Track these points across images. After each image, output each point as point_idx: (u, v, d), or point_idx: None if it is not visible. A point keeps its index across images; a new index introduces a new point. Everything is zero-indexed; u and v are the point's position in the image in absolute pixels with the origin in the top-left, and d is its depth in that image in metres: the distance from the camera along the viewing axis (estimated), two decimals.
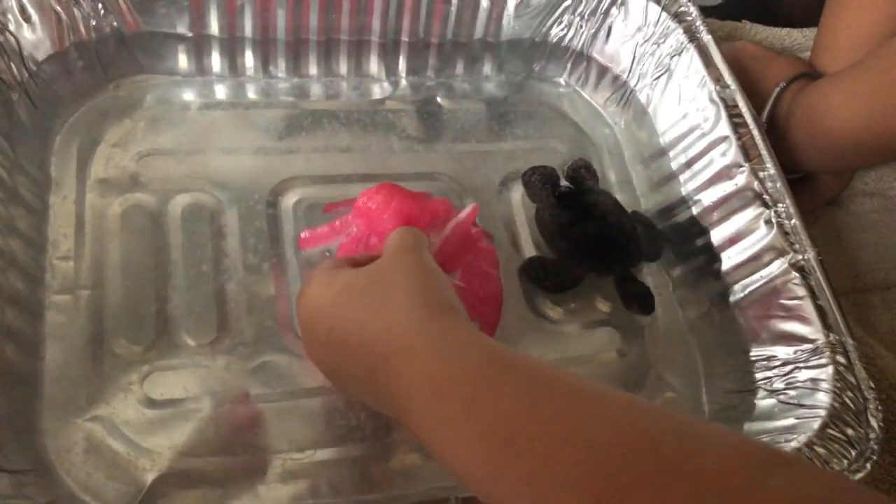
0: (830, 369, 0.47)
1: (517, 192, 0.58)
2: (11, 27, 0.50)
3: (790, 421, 0.46)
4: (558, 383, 0.33)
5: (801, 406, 0.47)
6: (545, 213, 0.55)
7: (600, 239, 0.54)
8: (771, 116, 0.61)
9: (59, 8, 0.51)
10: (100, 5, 0.53)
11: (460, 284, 0.48)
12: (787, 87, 0.61)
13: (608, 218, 0.55)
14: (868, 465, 0.42)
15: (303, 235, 0.52)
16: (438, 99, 0.62)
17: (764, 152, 0.54)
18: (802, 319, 0.49)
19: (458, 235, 0.49)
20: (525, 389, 0.32)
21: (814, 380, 0.47)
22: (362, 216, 0.49)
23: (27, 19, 0.50)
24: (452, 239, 0.48)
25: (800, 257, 0.50)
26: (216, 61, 0.57)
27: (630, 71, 0.62)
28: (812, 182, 0.63)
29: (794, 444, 0.44)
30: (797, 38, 0.72)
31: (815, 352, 0.48)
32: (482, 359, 0.34)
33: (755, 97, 0.58)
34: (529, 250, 0.56)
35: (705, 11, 0.60)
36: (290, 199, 0.54)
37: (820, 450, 0.43)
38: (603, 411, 0.31)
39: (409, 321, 0.37)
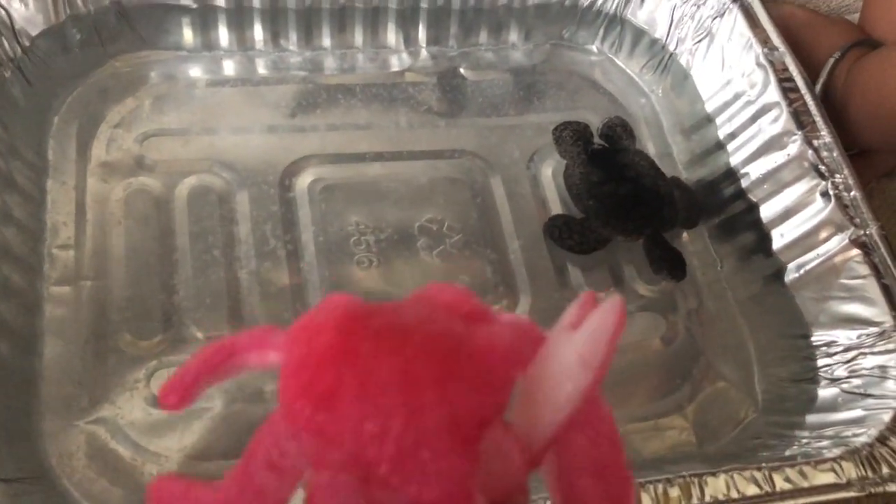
0: None
1: (548, 169, 0.54)
2: (2, 1, 0.46)
3: (857, 413, 0.42)
4: None
5: (869, 396, 0.43)
6: (575, 170, 0.51)
7: (632, 200, 0.50)
8: (825, 88, 0.56)
9: None
10: None
11: None
12: (842, 56, 0.56)
13: (643, 180, 0.51)
14: None
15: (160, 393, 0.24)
16: (461, 70, 0.58)
17: (818, 119, 0.50)
18: (866, 300, 0.45)
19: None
20: None
21: (882, 367, 0.43)
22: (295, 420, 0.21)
23: None
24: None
25: (861, 232, 0.46)
26: (223, 34, 0.54)
27: (668, 35, 0.58)
28: (866, 157, 0.58)
29: (863, 438, 0.40)
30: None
31: (882, 336, 0.44)
32: None
33: (807, 68, 0.53)
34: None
35: None
36: (304, 180, 0.50)
37: (894, 443, 0.39)
38: None
39: None
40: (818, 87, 0.56)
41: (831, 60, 0.57)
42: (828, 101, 0.56)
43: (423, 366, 0.20)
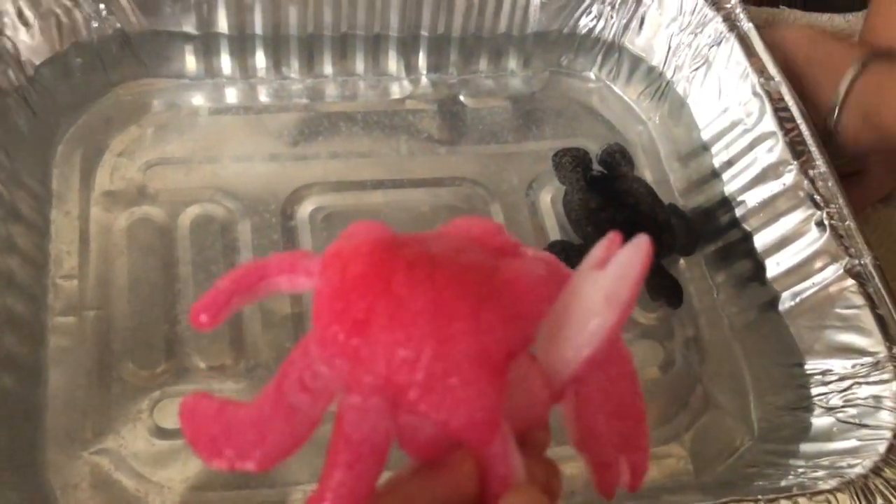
0: (894, 385, 0.43)
1: (547, 195, 0.55)
2: (8, 31, 0.47)
3: (852, 443, 0.43)
4: None
5: (864, 426, 0.43)
6: (574, 196, 0.52)
7: (630, 226, 0.51)
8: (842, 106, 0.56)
9: (58, 10, 0.48)
10: (101, 6, 0.50)
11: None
12: (861, 70, 0.55)
13: (640, 206, 0.52)
14: None
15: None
16: (461, 97, 0.58)
17: (814, 149, 0.50)
18: (861, 330, 0.45)
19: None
20: None
21: (876, 397, 0.44)
22: (327, 343, 0.21)
23: (25, 23, 0.47)
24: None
25: (856, 262, 0.47)
26: (226, 62, 0.54)
27: (665, 63, 0.58)
28: (862, 179, 0.59)
29: (858, 469, 0.40)
30: (840, 23, 0.68)
31: (877, 366, 0.44)
32: None
33: (821, 87, 0.53)
34: None
35: None
36: (306, 209, 0.51)
37: (889, 474, 0.40)
38: None
39: None
40: (838, 99, 0.54)
41: (851, 74, 0.55)
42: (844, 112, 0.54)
43: (455, 296, 0.21)
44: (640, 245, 0.21)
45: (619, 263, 0.21)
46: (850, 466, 0.41)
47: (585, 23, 0.59)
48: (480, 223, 0.24)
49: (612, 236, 0.22)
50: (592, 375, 0.23)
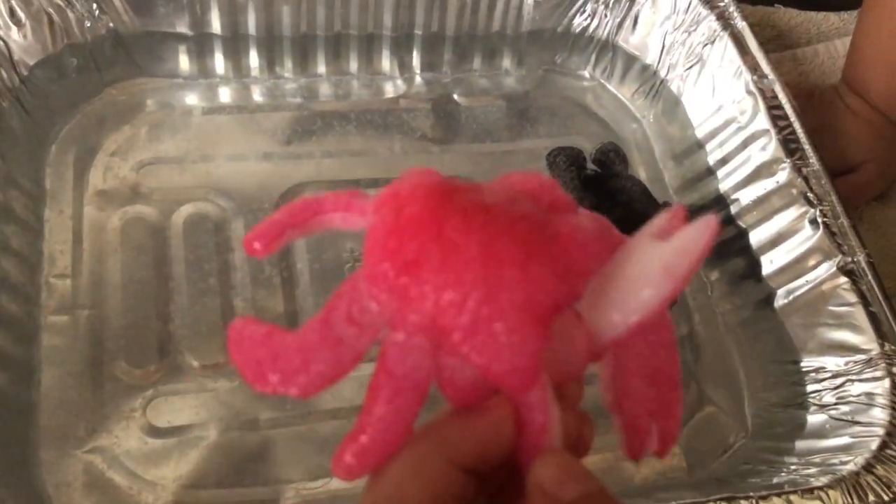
0: (887, 382, 0.43)
1: None
2: (0, 31, 0.47)
3: (845, 440, 0.43)
4: None
5: (856, 423, 0.43)
6: (568, 195, 0.52)
7: (623, 225, 0.51)
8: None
9: (51, 10, 0.48)
10: (94, 6, 0.50)
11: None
12: None
13: (635, 205, 0.52)
14: None
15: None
16: (455, 96, 0.58)
17: (807, 147, 0.50)
18: (854, 328, 0.45)
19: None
20: None
21: (868, 394, 0.44)
22: (378, 280, 0.22)
23: (17, 23, 0.47)
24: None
25: (849, 260, 0.47)
26: (219, 62, 0.54)
27: (659, 61, 0.58)
28: (855, 177, 0.59)
29: (850, 466, 0.40)
30: (834, 21, 0.68)
31: (869, 363, 0.44)
32: None
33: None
34: None
35: None
36: None
37: (880, 471, 0.40)
38: None
39: None
40: None
41: None
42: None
43: (506, 245, 0.21)
44: (709, 222, 0.21)
45: (684, 238, 0.21)
46: (843, 463, 0.41)
47: (579, 21, 0.59)
48: (535, 178, 0.24)
49: (677, 209, 0.22)
50: (633, 340, 0.23)
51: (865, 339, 0.45)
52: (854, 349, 0.45)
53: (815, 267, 0.48)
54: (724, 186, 0.54)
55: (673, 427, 0.24)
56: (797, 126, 0.51)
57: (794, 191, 0.49)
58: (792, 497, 0.38)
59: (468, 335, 0.21)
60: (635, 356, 0.24)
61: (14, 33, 0.47)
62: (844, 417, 0.44)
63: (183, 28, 0.52)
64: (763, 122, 0.52)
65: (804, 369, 0.47)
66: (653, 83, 0.59)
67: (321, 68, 0.56)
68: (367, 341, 0.22)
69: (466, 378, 0.22)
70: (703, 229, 0.21)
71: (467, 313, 0.21)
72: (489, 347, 0.21)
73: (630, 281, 0.21)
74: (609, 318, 0.21)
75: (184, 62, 0.54)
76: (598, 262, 0.22)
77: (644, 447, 0.24)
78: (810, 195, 0.49)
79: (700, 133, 0.56)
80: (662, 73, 0.58)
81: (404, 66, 0.58)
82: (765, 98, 0.52)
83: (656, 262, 0.21)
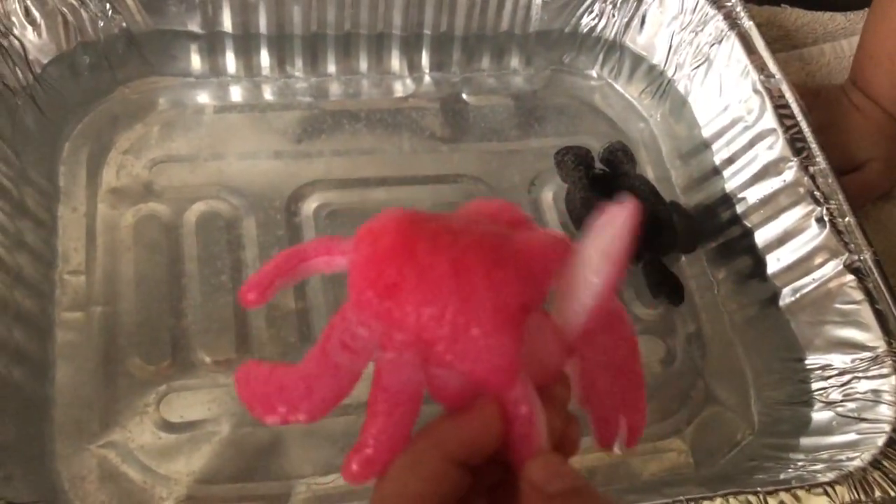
0: (893, 380, 0.43)
1: (548, 193, 0.55)
2: (16, 30, 0.47)
3: (851, 437, 0.43)
4: None
5: (863, 420, 0.43)
6: (576, 194, 0.52)
7: None
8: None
9: (64, 9, 0.49)
10: (108, 5, 0.50)
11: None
12: None
13: (643, 205, 0.52)
14: None
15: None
16: (464, 95, 0.59)
17: (814, 146, 0.50)
18: (860, 325, 0.46)
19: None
20: None
21: (875, 391, 0.44)
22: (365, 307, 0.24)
23: (32, 22, 0.48)
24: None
25: (855, 258, 0.47)
26: (231, 61, 0.55)
27: (666, 61, 0.59)
28: (862, 175, 0.59)
29: (857, 462, 0.41)
30: (841, 21, 0.69)
31: (876, 360, 0.45)
32: None
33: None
34: None
35: None
36: (310, 205, 0.51)
37: (887, 467, 0.40)
38: None
39: None
40: None
41: None
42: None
43: (473, 258, 0.23)
44: (624, 205, 0.24)
45: (606, 223, 0.24)
46: (849, 460, 0.41)
47: (587, 21, 0.59)
48: (494, 203, 0.27)
49: (603, 207, 0.25)
50: (596, 339, 0.26)
51: (872, 337, 0.45)
52: (860, 346, 0.45)
53: (821, 265, 0.48)
54: (730, 185, 0.54)
55: (639, 419, 0.27)
56: (804, 125, 0.51)
57: (801, 189, 0.50)
58: (799, 492, 0.38)
59: (450, 344, 0.23)
60: (599, 353, 0.26)
61: (29, 32, 0.48)
62: (851, 414, 0.44)
63: (194, 27, 0.53)
64: (770, 121, 0.52)
65: (810, 367, 0.48)
66: (660, 83, 0.59)
67: (331, 67, 0.57)
68: (362, 364, 0.24)
69: (454, 384, 0.24)
70: (620, 213, 0.24)
71: (447, 324, 0.23)
72: (470, 352, 0.23)
73: (580, 275, 0.24)
74: (571, 310, 0.24)
75: (195, 61, 0.54)
76: (556, 265, 0.25)
77: (614, 437, 0.27)
78: (817, 194, 0.49)
79: (707, 132, 0.56)
80: (669, 73, 0.59)
81: (413, 66, 0.58)
82: (771, 97, 0.52)
83: (595, 250, 0.24)
